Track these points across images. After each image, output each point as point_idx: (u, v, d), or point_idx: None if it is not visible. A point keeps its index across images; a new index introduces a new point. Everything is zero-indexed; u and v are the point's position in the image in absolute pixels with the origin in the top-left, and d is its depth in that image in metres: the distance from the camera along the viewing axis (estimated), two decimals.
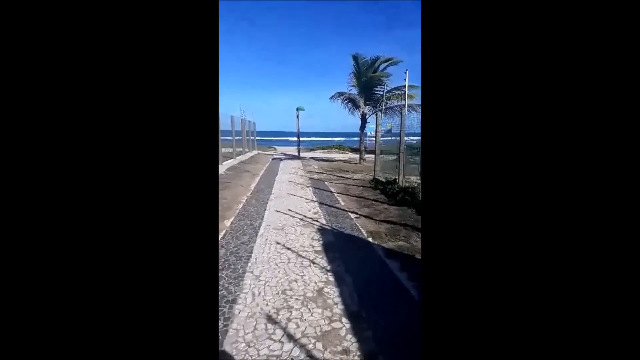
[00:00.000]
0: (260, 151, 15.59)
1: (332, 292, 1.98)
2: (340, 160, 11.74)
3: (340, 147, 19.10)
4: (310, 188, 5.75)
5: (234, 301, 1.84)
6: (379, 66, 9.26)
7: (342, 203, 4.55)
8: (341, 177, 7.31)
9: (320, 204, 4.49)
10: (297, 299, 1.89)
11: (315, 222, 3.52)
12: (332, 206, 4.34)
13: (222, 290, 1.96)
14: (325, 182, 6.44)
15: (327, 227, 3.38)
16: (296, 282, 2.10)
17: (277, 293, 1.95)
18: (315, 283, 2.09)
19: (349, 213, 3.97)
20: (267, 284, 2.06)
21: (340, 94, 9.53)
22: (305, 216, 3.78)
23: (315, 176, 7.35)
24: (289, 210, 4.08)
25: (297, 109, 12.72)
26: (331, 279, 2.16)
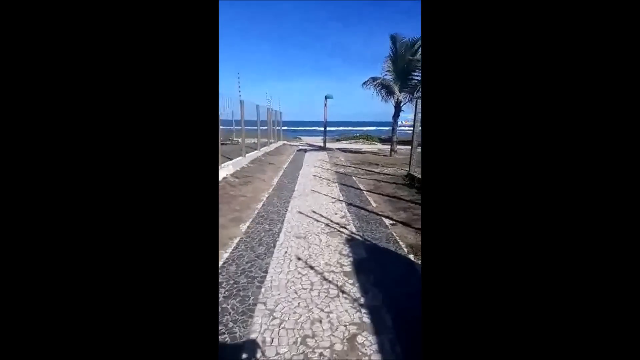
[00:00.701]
0: (285, 142, 15.28)
1: (369, 344, 1.45)
2: (369, 152, 10.99)
3: (368, 137, 18.22)
4: (337, 184, 5.21)
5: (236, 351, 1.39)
6: (418, 49, 8.22)
7: (374, 204, 3.96)
8: (371, 171, 6.66)
9: (348, 204, 3.94)
10: (321, 353, 1.39)
11: (343, 230, 2.99)
12: (362, 208, 3.77)
13: (222, 333, 1.52)
14: (353, 178, 5.85)
15: (357, 236, 2.83)
16: (320, 323, 1.60)
17: (295, 342, 1.46)
18: (346, 327, 1.58)
19: (383, 218, 3.38)
20: (283, 325, 1.58)
21: (374, 79, 8.64)
22: (331, 220, 3.27)
23: (342, 170, 6.78)
24: (313, 212, 3.59)
25: (326, 97, 12.06)
26: (366, 319, 1.64)
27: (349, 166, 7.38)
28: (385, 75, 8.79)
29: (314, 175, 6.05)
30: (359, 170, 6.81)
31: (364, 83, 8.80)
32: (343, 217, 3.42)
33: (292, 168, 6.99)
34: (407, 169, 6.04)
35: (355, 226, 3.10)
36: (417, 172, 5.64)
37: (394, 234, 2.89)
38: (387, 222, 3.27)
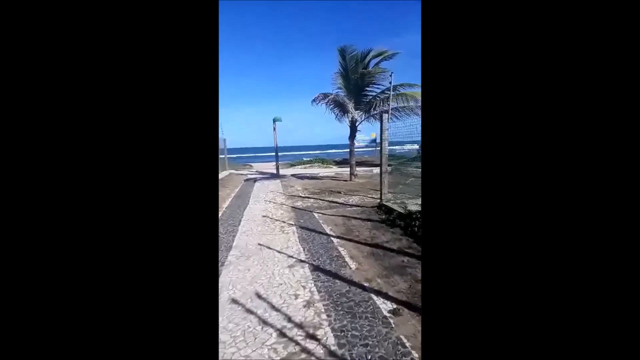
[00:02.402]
0: (232, 170, 13.43)
1: None
2: (327, 177, 9.92)
3: (323, 160, 17.45)
4: (295, 228, 3.82)
5: None
6: (369, 62, 7.67)
7: (352, 264, 2.65)
8: (334, 202, 5.44)
9: (314, 268, 2.57)
10: None
11: (310, 346, 1.58)
12: (336, 275, 2.43)
13: None
14: (316, 215, 4.54)
15: None
16: None
17: None
18: None
19: (374, 297, 2.07)
20: None
21: (325, 95, 7.75)
22: (289, 318, 1.84)
23: (300, 203, 5.44)
24: (257, 295, 2.12)
25: (274, 120, 10.85)
26: None
27: (308, 197, 6.08)
28: (337, 91, 8.01)
29: (264, 217, 4.57)
30: (320, 202, 5.55)
31: (313, 100, 7.85)
32: (308, 304, 2.01)
33: (235, 207, 5.40)
34: (374, 197, 5.00)
35: (333, 331, 1.72)
36: (390, 202, 4.60)
37: (407, 344, 1.59)
38: (383, 305, 1.96)
